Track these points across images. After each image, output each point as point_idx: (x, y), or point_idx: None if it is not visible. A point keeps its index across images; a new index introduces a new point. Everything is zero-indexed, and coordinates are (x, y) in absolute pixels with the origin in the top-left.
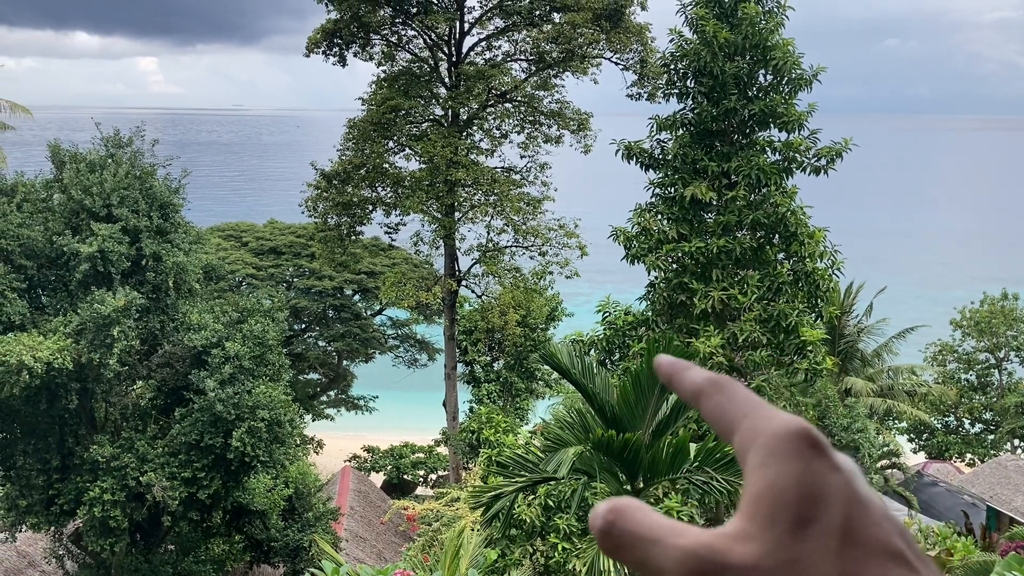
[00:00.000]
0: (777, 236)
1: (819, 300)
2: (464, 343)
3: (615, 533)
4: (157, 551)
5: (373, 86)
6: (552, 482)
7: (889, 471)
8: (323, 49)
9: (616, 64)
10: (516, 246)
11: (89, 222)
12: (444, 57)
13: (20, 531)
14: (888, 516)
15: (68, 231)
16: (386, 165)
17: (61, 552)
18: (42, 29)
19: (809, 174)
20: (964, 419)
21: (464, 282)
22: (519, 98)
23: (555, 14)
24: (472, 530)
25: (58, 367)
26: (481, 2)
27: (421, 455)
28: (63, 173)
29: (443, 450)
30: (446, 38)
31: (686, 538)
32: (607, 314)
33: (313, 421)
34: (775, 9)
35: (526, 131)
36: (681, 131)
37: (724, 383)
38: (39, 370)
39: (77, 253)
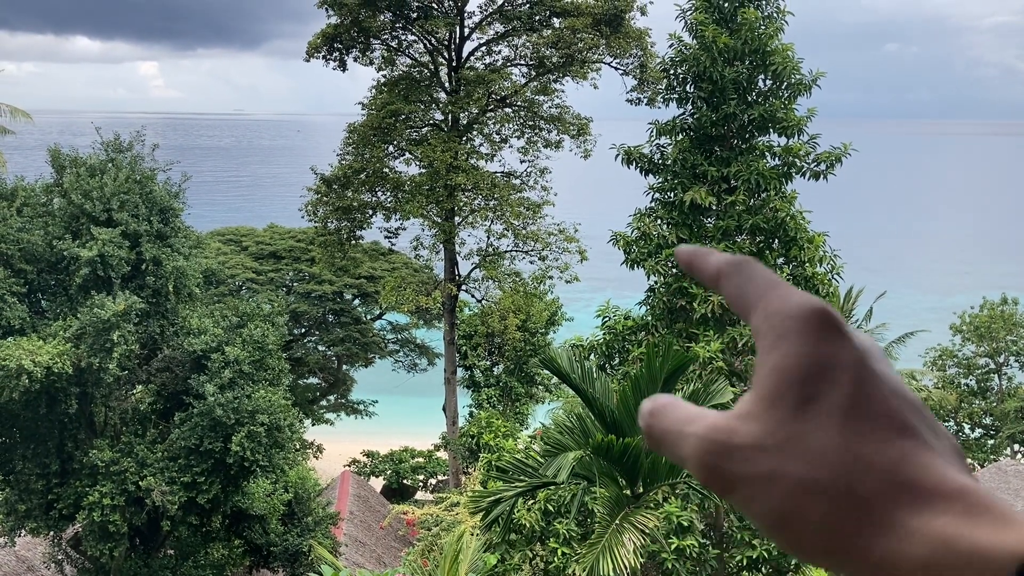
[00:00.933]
0: (777, 241)
1: None
2: (464, 347)
3: (654, 432)
4: (156, 556)
5: (373, 91)
6: (552, 487)
7: None
8: (323, 54)
9: (616, 69)
10: (516, 251)
11: (89, 226)
12: (444, 62)
13: (19, 535)
14: (902, 392)
15: (68, 235)
16: (386, 169)
17: (60, 557)
18: (43, 33)
19: (809, 179)
20: (964, 424)
21: (464, 286)
22: (519, 103)
23: (555, 19)
24: (471, 535)
25: (58, 371)
26: (481, 7)
27: (421, 460)
28: (63, 177)
29: (443, 455)
30: (446, 43)
31: (698, 424)
32: (607, 319)
33: (313, 426)
34: (774, 14)
35: (526, 136)
36: (681, 136)
37: (743, 263)
38: (39, 374)
39: (77, 257)
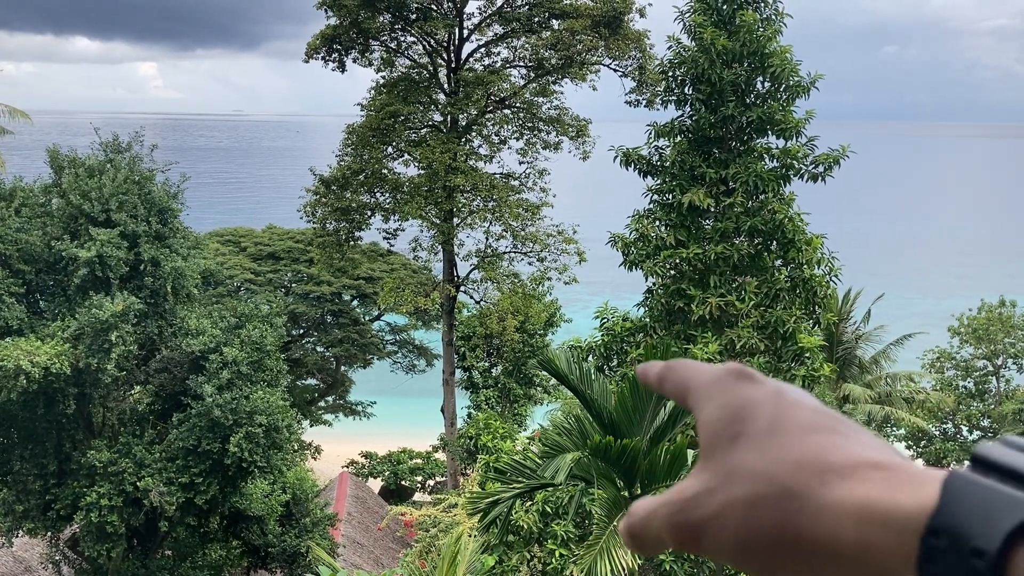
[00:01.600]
0: (775, 243)
1: (817, 307)
2: (462, 349)
3: (628, 538)
4: (154, 556)
5: (372, 92)
6: (550, 488)
7: None
8: (323, 55)
9: (615, 71)
10: (515, 252)
11: (88, 227)
12: (443, 63)
13: (17, 536)
14: (817, 408)
15: (67, 236)
16: (385, 171)
17: (58, 557)
18: (42, 33)
19: (807, 181)
20: (962, 426)
21: (463, 288)
22: (518, 104)
23: (554, 21)
24: (470, 536)
25: (56, 372)
26: (480, 8)
27: (419, 461)
28: (62, 178)
29: (441, 456)
30: (445, 44)
31: (662, 499)
32: (605, 320)
33: (311, 427)
34: (773, 16)
35: (525, 137)
36: (679, 138)
37: (676, 363)
38: (37, 375)
39: (75, 258)
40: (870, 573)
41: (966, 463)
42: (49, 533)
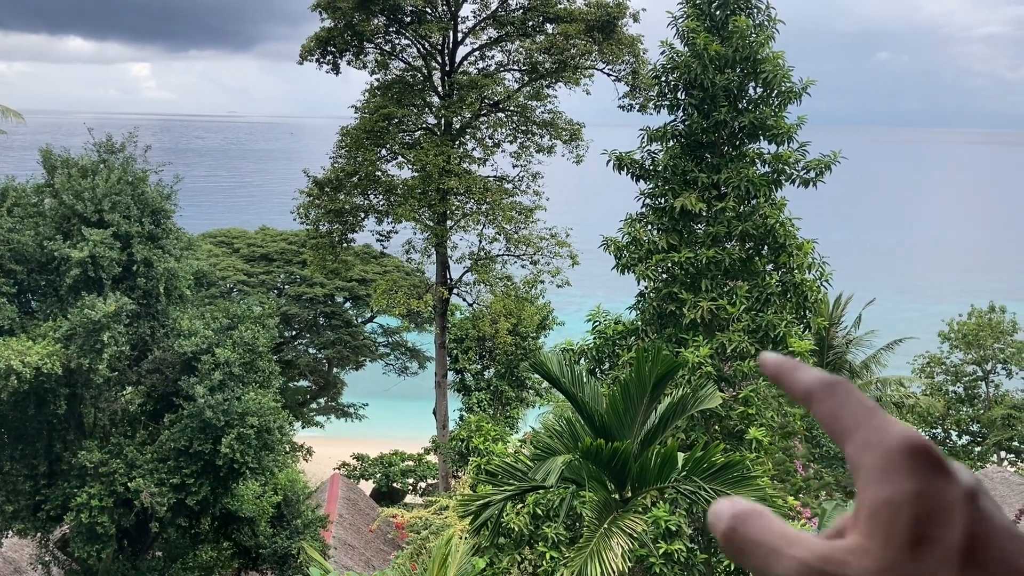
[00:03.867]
0: (766, 247)
1: (807, 311)
2: (455, 351)
3: (736, 539)
4: (145, 558)
5: (366, 94)
6: (541, 491)
7: None
8: (317, 57)
9: (608, 75)
10: (508, 255)
11: (80, 227)
12: (437, 66)
13: (6, 537)
14: (1011, 531)
15: (59, 236)
16: (378, 173)
17: (48, 558)
18: (36, 33)
19: (798, 186)
20: (951, 431)
21: (455, 290)
22: (512, 108)
23: (548, 25)
24: (460, 538)
25: (47, 372)
26: (474, 12)
27: (411, 463)
28: (54, 178)
29: (433, 458)
30: (439, 47)
31: (804, 548)
32: (597, 323)
33: (303, 428)
34: (765, 22)
35: (518, 141)
36: (672, 142)
37: (836, 386)
38: (28, 375)
39: (68, 258)
40: None
41: None
42: (39, 534)
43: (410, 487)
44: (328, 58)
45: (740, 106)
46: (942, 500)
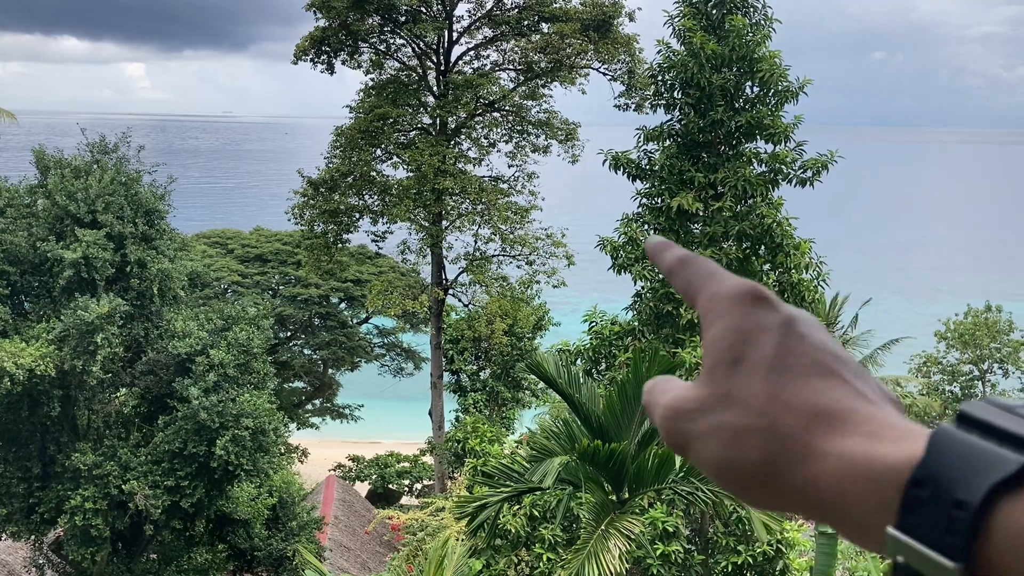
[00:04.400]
0: (763, 247)
1: None
2: (450, 352)
3: (646, 404)
4: (139, 560)
5: (361, 94)
6: (537, 492)
7: None
8: (311, 57)
9: (604, 75)
10: (503, 255)
11: (73, 228)
12: (432, 66)
13: (0, 540)
14: (827, 346)
15: (52, 237)
16: (373, 173)
17: (42, 561)
18: (30, 33)
19: (795, 186)
20: None
21: (451, 291)
22: (507, 107)
23: (543, 24)
24: (457, 540)
25: (40, 374)
26: (470, 11)
27: (406, 464)
28: (48, 179)
29: (428, 459)
30: (434, 47)
31: (667, 395)
32: (593, 324)
33: (298, 430)
34: (762, 21)
35: (514, 140)
36: (668, 142)
37: (690, 258)
38: (21, 377)
39: (61, 259)
40: (846, 521)
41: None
42: (33, 536)
43: (406, 489)
44: (323, 58)
45: (737, 105)
46: (759, 326)
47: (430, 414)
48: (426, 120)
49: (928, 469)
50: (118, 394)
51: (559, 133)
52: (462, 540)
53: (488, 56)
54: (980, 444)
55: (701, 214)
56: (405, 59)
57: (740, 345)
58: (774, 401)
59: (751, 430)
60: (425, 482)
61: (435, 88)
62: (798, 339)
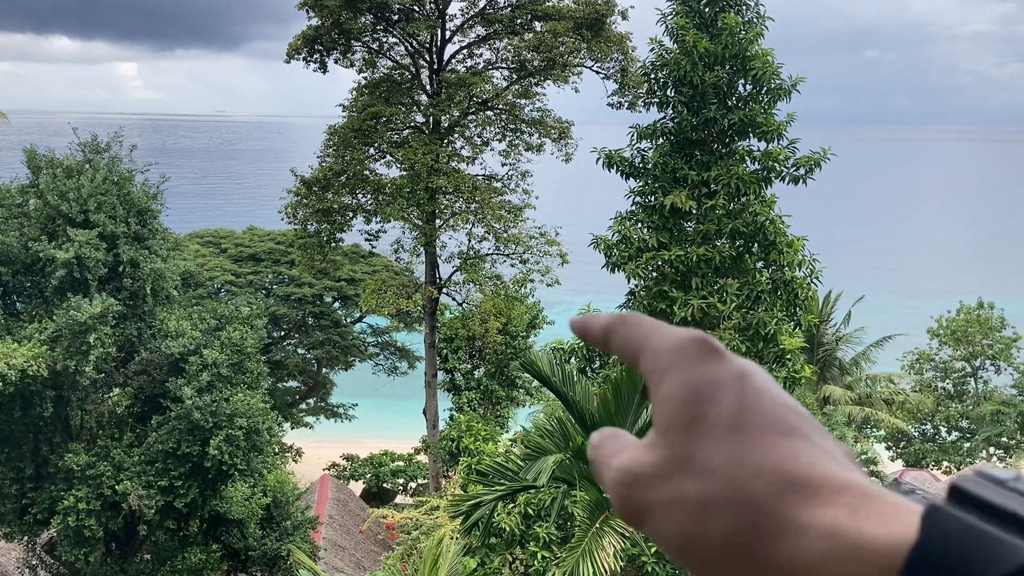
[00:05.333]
0: (756, 245)
1: (797, 309)
2: (444, 351)
3: (593, 463)
4: (133, 561)
5: (354, 93)
6: (532, 490)
7: None
8: (304, 55)
9: (597, 73)
10: (497, 254)
11: (65, 228)
12: (425, 64)
13: None
14: (784, 401)
15: (44, 237)
16: (367, 172)
17: (35, 562)
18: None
19: (788, 183)
20: (941, 427)
21: (445, 289)
22: (500, 106)
23: (536, 23)
24: (451, 539)
25: (33, 374)
26: (463, 10)
27: (401, 463)
28: (39, 178)
29: (423, 458)
30: (427, 45)
31: (619, 456)
32: None
33: (292, 429)
34: (755, 19)
35: (507, 139)
36: (661, 140)
37: (627, 317)
38: (13, 377)
39: (53, 259)
40: None
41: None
42: (26, 537)
43: (400, 487)
44: (315, 56)
45: (730, 103)
46: (712, 380)
47: (424, 413)
48: (419, 119)
49: (926, 557)
50: (111, 394)
51: (552, 131)
52: (456, 539)
53: (481, 55)
54: (983, 528)
55: (694, 212)
56: (398, 58)
57: (695, 403)
58: (740, 466)
59: (718, 500)
60: (419, 481)
61: (428, 87)
62: (756, 394)
